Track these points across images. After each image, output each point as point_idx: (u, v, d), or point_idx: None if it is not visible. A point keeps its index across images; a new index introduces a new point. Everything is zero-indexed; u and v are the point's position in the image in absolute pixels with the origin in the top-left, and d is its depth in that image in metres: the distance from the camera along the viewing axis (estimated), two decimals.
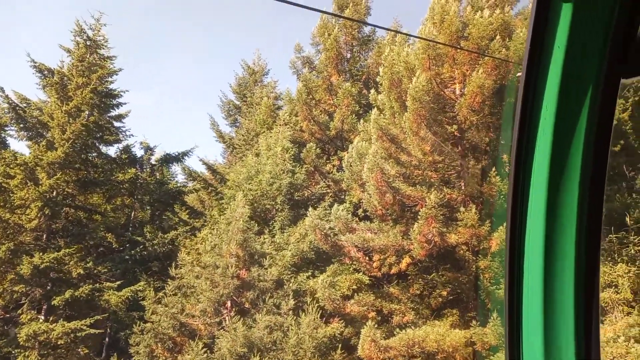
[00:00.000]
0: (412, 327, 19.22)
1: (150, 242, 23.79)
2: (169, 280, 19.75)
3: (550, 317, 1.57)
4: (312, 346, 16.24)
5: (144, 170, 26.51)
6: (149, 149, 27.00)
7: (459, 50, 25.26)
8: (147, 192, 25.75)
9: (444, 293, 20.81)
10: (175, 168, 32.87)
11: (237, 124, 40.83)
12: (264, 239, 22.29)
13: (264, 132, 29.54)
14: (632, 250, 21.79)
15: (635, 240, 21.99)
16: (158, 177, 26.88)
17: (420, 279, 21.25)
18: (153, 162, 27.34)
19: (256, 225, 22.23)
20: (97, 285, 20.97)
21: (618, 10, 1.41)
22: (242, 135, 32.31)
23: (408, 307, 20.59)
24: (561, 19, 1.44)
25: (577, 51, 1.45)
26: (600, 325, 15.26)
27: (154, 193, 25.94)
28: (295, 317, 17.53)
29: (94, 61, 25.65)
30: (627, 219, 23.10)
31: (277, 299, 18.37)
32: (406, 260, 21.27)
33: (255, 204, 23.95)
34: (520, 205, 1.60)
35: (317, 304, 18.46)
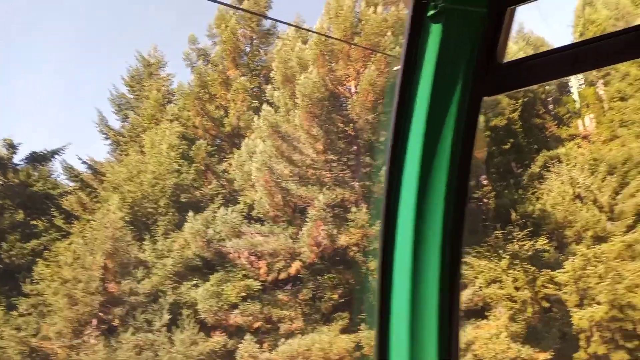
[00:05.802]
0: (300, 334, 18.41)
1: (7, 254, 20.92)
2: (21, 298, 17.35)
3: (417, 318, 1.61)
4: None
5: (7, 170, 23.39)
6: (11, 147, 23.91)
7: (353, 47, 24.78)
8: (7, 196, 22.73)
9: (335, 296, 20.20)
10: (56, 167, 29.62)
11: (129, 120, 37.99)
12: (144, 246, 20.43)
13: (152, 127, 27.40)
14: (516, 246, 22.52)
15: (520, 236, 22.76)
16: (22, 178, 23.83)
17: (310, 283, 20.48)
18: (16, 162, 24.23)
19: (134, 231, 20.30)
20: None
21: (481, 36, 1.57)
22: (128, 131, 29.88)
23: (298, 313, 19.73)
24: (431, 37, 1.57)
25: (445, 69, 1.59)
26: (485, 321, 14.97)
27: (17, 197, 22.96)
28: (170, 334, 15.96)
29: None
30: (513, 215, 23.90)
31: (151, 314, 16.69)
32: (297, 264, 20.43)
33: (135, 208, 21.95)
34: (393, 207, 1.67)
35: (196, 317, 17.01)
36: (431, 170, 1.63)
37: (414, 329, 1.61)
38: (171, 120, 27.26)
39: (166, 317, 16.30)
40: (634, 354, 19.41)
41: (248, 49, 35.28)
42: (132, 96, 39.30)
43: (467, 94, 1.60)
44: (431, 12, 1.52)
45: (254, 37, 35.67)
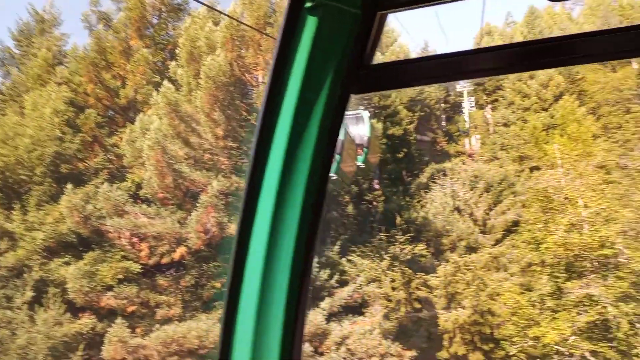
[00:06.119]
0: (178, 321, 17.88)
1: None
2: None
3: (263, 316, 1.60)
4: (47, 347, 13.73)
5: None
6: None
7: (265, 37, 24.56)
8: None
9: (218, 285, 19.93)
10: None
11: (10, 77, 34.43)
12: (12, 216, 18.66)
13: (36, 88, 25.05)
14: (397, 249, 23.80)
15: (401, 240, 24.08)
16: None
17: (194, 270, 19.99)
18: None
19: (2, 199, 18.47)
20: None
21: (353, 35, 1.61)
22: (8, 89, 27.07)
23: (177, 299, 19.13)
24: (306, 29, 1.58)
25: (317, 62, 1.60)
26: (361, 317, 15.50)
27: None
28: (32, 313, 14.71)
29: None
30: (398, 219, 25.23)
31: (13, 290, 15.27)
32: (182, 249, 19.81)
33: (6, 173, 19.97)
34: (253, 201, 1.63)
35: (64, 297, 15.85)
36: (294, 161, 1.62)
37: (259, 327, 1.61)
38: (59, 84, 25.13)
39: (29, 294, 14.98)
40: (489, 356, 21.42)
41: (155, 21, 33.51)
42: (18, 52, 35.71)
43: (336, 90, 1.63)
44: (308, 4, 1.55)
45: (163, 10, 33.98)
